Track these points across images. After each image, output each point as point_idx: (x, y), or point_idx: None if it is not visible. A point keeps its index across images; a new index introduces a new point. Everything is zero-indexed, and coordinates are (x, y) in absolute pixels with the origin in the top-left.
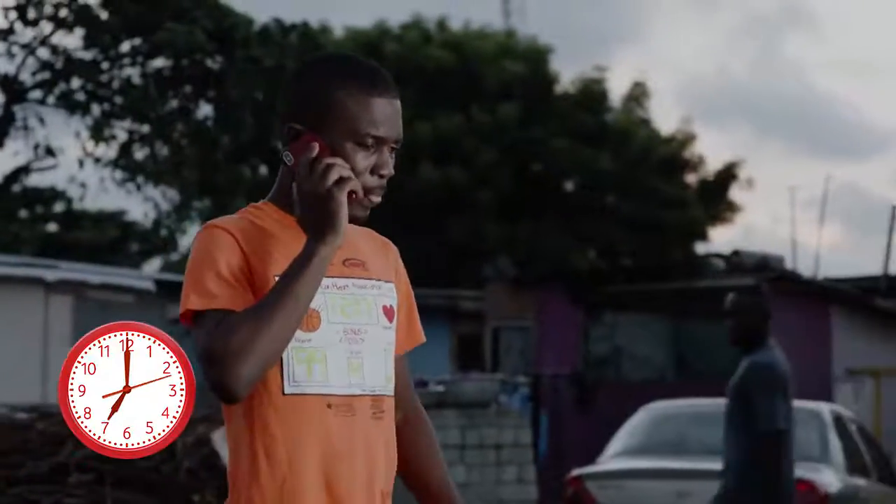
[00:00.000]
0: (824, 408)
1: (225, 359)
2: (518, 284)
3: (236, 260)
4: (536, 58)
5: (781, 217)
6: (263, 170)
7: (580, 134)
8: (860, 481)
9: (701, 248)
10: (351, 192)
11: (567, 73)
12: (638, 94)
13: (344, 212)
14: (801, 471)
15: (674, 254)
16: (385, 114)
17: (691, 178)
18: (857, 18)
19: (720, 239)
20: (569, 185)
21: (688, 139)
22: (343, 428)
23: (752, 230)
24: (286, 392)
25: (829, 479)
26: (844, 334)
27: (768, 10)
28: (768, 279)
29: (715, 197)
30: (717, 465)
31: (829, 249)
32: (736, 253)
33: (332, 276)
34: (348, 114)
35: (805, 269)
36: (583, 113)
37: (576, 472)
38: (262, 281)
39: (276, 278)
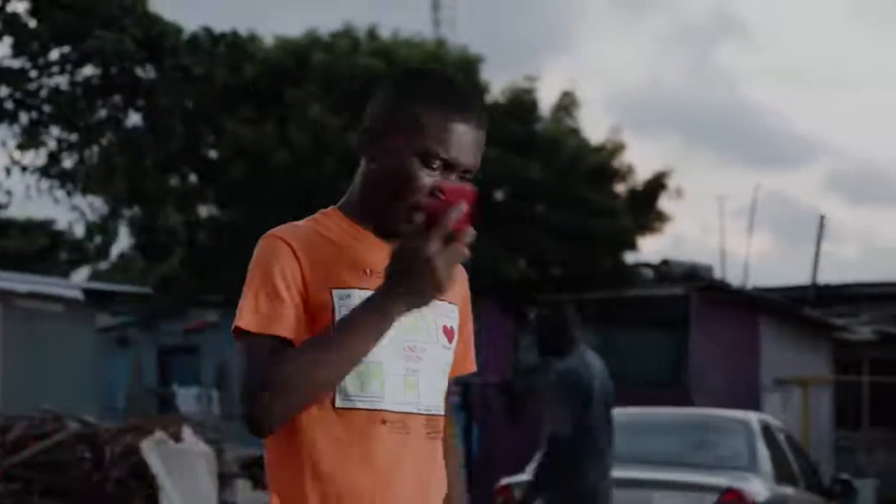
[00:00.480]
0: (752, 417)
1: (265, 396)
2: None
3: (291, 273)
4: (466, 67)
5: (711, 226)
6: (193, 178)
7: (510, 143)
8: (788, 490)
9: (630, 257)
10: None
11: (497, 82)
12: (567, 104)
13: (445, 275)
14: (730, 480)
15: (603, 263)
16: (459, 139)
17: (621, 188)
18: (788, 28)
19: (650, 248)
20: (499, 195)
21: (617, 148)
22: (396, 446)
23: (682, 240)
24: (337, 406)
25: (758, 487)
26: (773, 344)
27: (699, 20)
28: (696, 288)
29: (644, 206)
30: (647, 473)
31: (758, 259)
32: (665, 262)
33: None
34: (422, 129)
35: (734, 278)
36: (513, 122)
37: (505, 480)
38: (317, 295)
39: (334, 292)
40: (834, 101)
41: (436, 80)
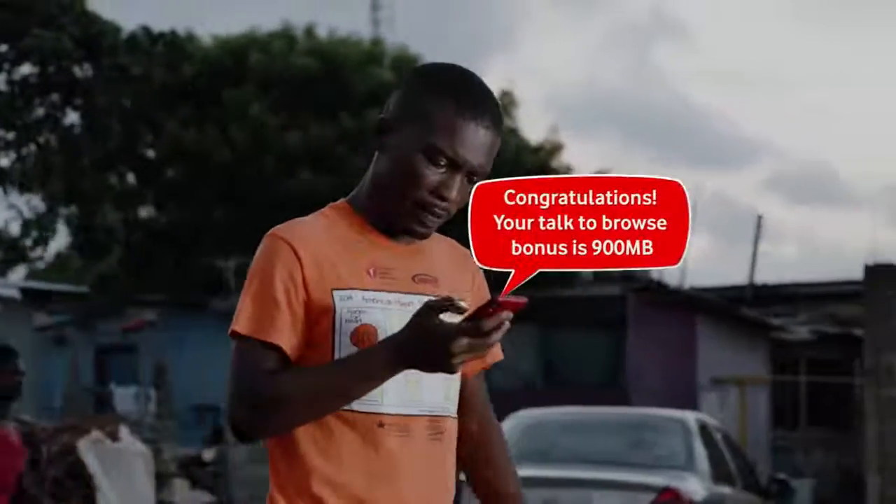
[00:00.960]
0: (690, 416)
1: (254, 411)
2: None
3: (290, 275)
4: (405, 66)
5: None
6: (131, 178)
7: None
8: (725, 489)
9: None
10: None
11: None
12: (506, 103)
13: (458, 372)
14: (667, 479)
15: None
16: (469, 139)
17: None
18: (728, 28)
19: None
20: None
21: (556, 148)
22: (395, 448)
23: None
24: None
25: (695, 486)
26: (710, 343)
27: (639, 20)
28: (633, 289)
29: None
30: (584, 472)
31: (697, 259)
32: None
33: (397, 292)
34: (432, 126)
35: (672, 278)
36: None
37: None
38: (318, 297)
39: (335, 293)
40: (774, 101)
41: (454, 77)
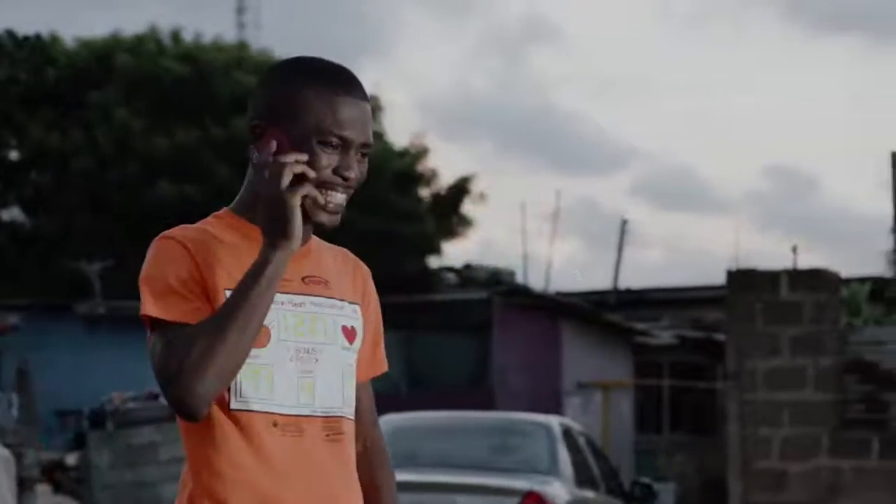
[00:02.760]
0: (553, 420)
1: (181, 376)
2: None
3: (187, 271)
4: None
5: (518, 232)
6: None
7: None
8: (589, 493)
9: (435, 261)
10: (305, 197)
11: None
12: (371, 108)
13: (296, 216)
14: (530, 483)
15: (408, 267)
16: (351, 115)
17: (425, 192)
18: (600, 35)
19: (459, 253)
20: None
21: (421, 153)
22: (289, 448)
23: (491, 244)
24: (232, 408)
25: (558, 491)
26: (574, 348)
27: (513, 25)
28: (498, 293)
29: (448, 211)
30: (449, 477)
31: (563, 264)
32: (468, 267)
33: (289, 293)
34: (313, 111)
35: (539, 283)
36: None
37: None
38: (214, 294)
39: (227, 293)
40: (642, 107)
41: (313, 63)
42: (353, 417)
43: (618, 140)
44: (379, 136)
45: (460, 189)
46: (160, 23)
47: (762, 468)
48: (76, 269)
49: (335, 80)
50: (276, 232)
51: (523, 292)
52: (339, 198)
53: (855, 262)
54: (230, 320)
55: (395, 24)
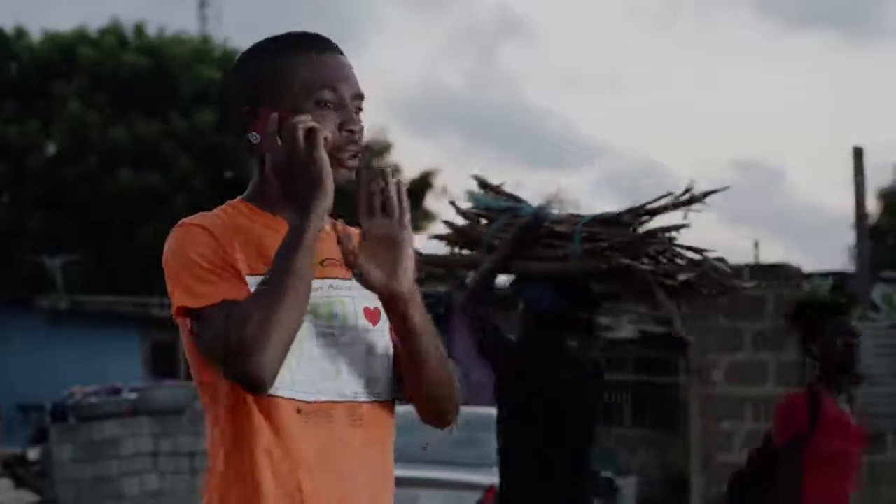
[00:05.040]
0: None
1: (243, 350)
2: None
3: (216, 254)
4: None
5: None
6: None
7: None
8: None
9: None
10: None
11: None
12: None
13: (326, 165)
14: (493, 477)
15: None
16: (336, 69)
17: None
18: (569, 32)
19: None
20: None
21: (384, 148)
22: (315, 436)
23: None
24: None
25: None
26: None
27: (484, 21)
28: (459, 287)
29: (411, 205)
30: (411, 471)
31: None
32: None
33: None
34: (298, 76)
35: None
36: None
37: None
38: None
39: (248, 279)
40: (610, 103)
41: (286, 36)
42: (378, 399)
43: (586, 135)
44: None
45: (423, 183)
46: (126, 17)
47: (724, 462)
48: (36, 262)
49: (308, 42)
50: (310, 189)
51: None
52: (353, 157)
53: (818, 257)
54: (281, 288)
55: (365, 19)
